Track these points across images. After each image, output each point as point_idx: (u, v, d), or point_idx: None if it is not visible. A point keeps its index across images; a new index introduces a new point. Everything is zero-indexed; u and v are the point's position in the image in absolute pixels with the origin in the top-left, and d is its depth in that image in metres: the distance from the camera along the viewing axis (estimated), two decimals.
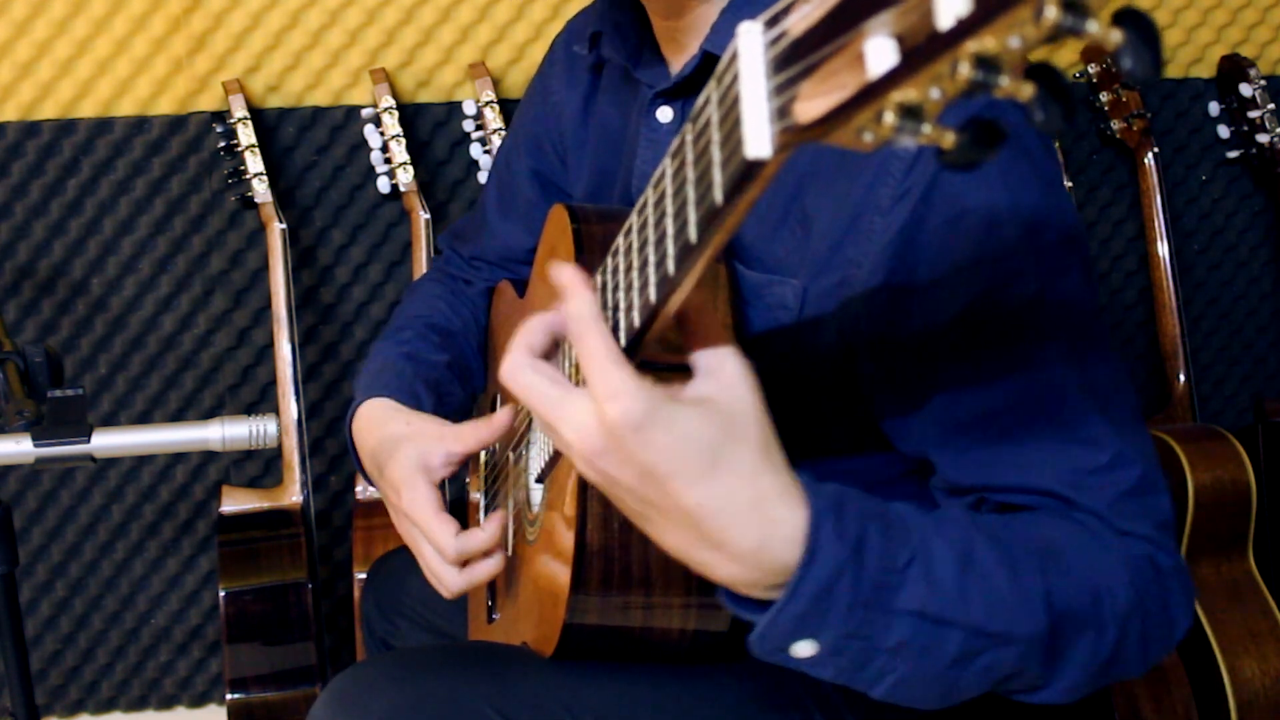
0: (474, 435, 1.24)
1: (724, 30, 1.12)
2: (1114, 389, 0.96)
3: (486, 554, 1.19)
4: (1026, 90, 0.47)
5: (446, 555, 1.19)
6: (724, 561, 0.75)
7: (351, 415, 1.39)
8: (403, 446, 1.26)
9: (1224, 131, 2.62)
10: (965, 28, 0.45)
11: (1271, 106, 2.54)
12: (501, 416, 1.22)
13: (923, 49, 0.47)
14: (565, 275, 0.75)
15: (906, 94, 0.49)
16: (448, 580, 1.20)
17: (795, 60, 0.53)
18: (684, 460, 0.72)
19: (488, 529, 1.19)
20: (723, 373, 0.75)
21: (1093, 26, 0.44)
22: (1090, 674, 0.87)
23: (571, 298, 0.75)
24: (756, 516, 0.74)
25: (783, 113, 0.54)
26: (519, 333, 0.80)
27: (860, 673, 0.80)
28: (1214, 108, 2.61)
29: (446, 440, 1.25)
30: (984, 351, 0.94)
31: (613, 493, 0.77)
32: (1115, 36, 0.45)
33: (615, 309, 0.81)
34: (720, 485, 0.73)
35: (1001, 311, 0.94)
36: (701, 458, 0.72)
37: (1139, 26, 0.45)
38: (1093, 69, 2.52)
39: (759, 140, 0.56)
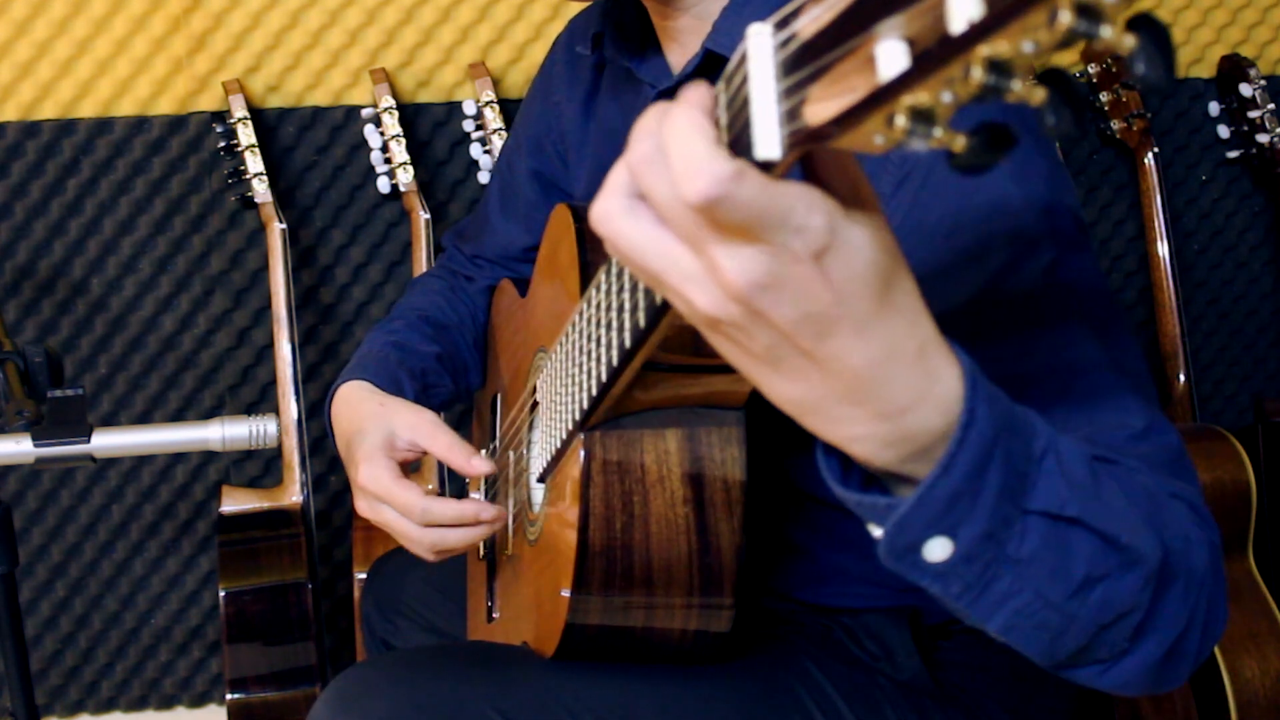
0: (446, 449, 1.24)
1: (726, 29, 1.12)
2: (1137, 365, 0.93)
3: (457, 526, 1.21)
4: (1038, 95, 0.47)
5: (413, 514, 1.20)
6: (864, 419, 0.65)
7: (330, 398, 1.39)
8: (370, 424, 1.27)
9: (1224, 131, 2.62)
10: (978, 32, 0.45)
11: (1271, 106, 2.54)
12: (481, 466, 1.22)
13: (934, 53, 0.47)
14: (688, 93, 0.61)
15: (918, 97, 0.48)
16: (415, 539, 1.22)
17: (805, 63, 0.53)
18: (861, 299, 0.60)
19: (463, 505, 1.21)
20: (869, 197, 0.61)
21: (1107, 31, 0.43)
22: (1164, 650, 0.79)
23: (685, 100, 0.59)
24: (919, 368, 0.64)
25: (793, 115, 0.54)
26: (614, 171, 0.64)
27: (985, 594, 0.71)
28: (1214, 108, 2.61)
29: (416, 430, 1.26)
30: (1004, 330, 0.91)
31: (746, 333, 0.62)
32: (1129, 42, 0.45)
33: (620, 309, 0.81)
34: (889, 327, 0.62)
35: (1019, 287, 0.92)
36: (877, 293, 0.60)
37: (1153, 32, 0.45)
38: (1093, 69, 2.52)
39: (769, 142, 0.55)
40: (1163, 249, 2.47)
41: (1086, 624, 0.75)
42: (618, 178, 0.63)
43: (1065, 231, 0.94)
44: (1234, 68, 2.57)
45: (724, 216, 0.56)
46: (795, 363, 0.63)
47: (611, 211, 0.62)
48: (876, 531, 0.70)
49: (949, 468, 0.66)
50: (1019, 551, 0.70)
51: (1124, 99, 2.48)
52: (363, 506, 1.26)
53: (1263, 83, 2.54)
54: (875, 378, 0.63)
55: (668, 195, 0.58)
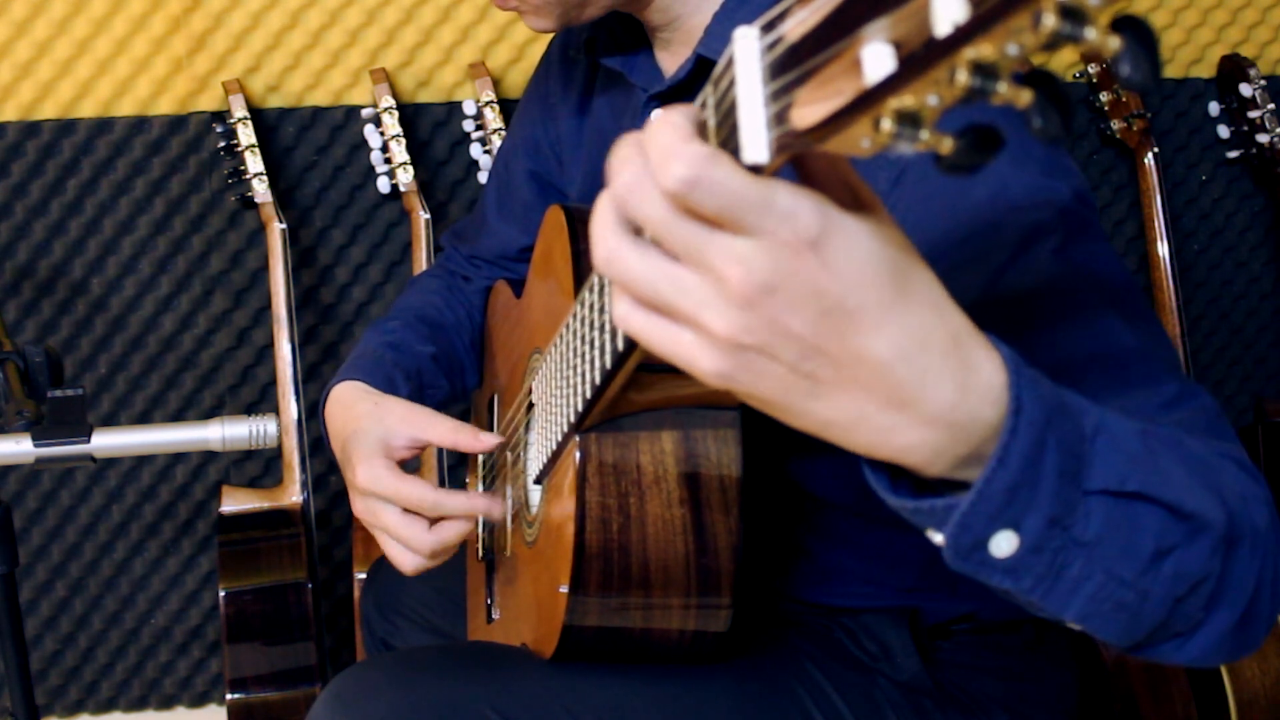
0: (450, 434, 1.23)
1: (717, 34, 1.12)
2: (1161, 338, 0.92)
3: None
4: (1024, 97, 0.47)
5: (424, 506, 1.18)
6: (910, 425, 0.62)
7: (324, 399, 1.39)
8: (366, 424, 1.26)
9: (1224, 131, 2.62)
10: (963, 35, 0.45)
11: (1271, 106, 2.54)
12: (490, 439, 1.21)
13: (920, 56, 0.47)
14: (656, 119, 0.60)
15: (904, 101, 0.48)
16: (417, 541, 1.19)
17: (792, 66, 0.53)
18: (873, 287, 0.58)
19: (472, 496, 1.20)
20: (869, 198, 0.61)
21: (1091, 33, 0.43)
22: (1238, 615, 0.77)
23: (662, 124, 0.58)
24: (955, 359, 0.62)
25: (780, 118, 0.54)
26: (599, 211, 0.63)
27: (1058, 582, 0.69)
28: (1214, 108, 2.61)
29: (413, 424, 1.24)
30: (1020, 317, 0.89)
31: (770, 352, 0.60)
32: (1114, 43, 0.45)
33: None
34: (914, 318, 0.60)
35: (1028, 276, 0.90)
36: (891, 282, 0.59)
37: (1138, 33, 0.45)
38: (1093, 69, 2.51)
39: (756, 146, 0.55)
40: (1163, 249, 2.47)
41: (1162, 598, 0.73)
42: (604, 214, 0.62)
43: (1070, 214, 0.92)
44: (1234, 68, 2.56)
45: (703, 201, 0.56)
46: (827, 375, 0.61)
47: (616, 250, 0.61)
48: (937, 537, 0.68)
49: (1004, 459, 0.64)
50: (1085, 534, 0.68)
51: (1124, 99, 2.48)
52: (360, 509, 1.24)
53: (1263, 83, 2.54)
54: (911, 374, 0.61)
55: (650, 197, 0.58)
